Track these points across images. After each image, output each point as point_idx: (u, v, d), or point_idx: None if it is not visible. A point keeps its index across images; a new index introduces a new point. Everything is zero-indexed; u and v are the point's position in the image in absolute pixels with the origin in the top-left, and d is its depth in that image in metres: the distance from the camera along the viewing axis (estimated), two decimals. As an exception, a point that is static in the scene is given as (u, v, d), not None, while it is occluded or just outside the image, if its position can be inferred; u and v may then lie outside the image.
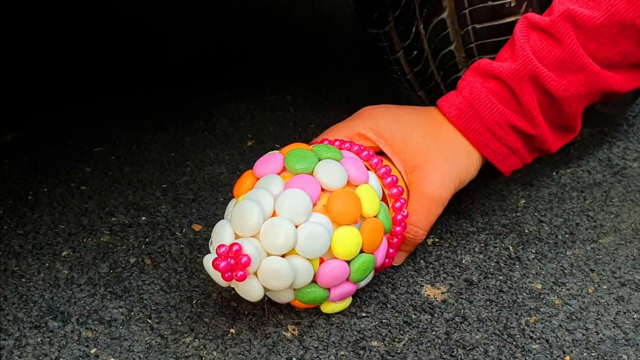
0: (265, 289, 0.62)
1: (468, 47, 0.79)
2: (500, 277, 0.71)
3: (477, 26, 0.77)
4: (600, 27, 0.69)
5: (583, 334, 0.64)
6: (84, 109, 1.02)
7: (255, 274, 0.60)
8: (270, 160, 0.65)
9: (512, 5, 0.75)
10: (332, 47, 1.23)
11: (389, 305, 0.67)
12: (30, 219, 0.79)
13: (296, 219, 0.61)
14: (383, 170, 0.68)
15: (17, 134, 0.96)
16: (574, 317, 0.66)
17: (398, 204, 0.68)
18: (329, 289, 0.63)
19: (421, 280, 0.70)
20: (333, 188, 0.63)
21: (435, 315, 0.66)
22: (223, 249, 0.59)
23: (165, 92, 1.07)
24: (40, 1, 1.32)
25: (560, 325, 0.65)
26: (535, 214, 0.79)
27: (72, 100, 1.05)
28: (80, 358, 0.62)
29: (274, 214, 0.61)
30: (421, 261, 0.73)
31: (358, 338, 0.64)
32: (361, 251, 0.63)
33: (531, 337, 0.64)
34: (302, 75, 1.12)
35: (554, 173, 0.86)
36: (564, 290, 0.69)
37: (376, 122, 0.71)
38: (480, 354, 0.62)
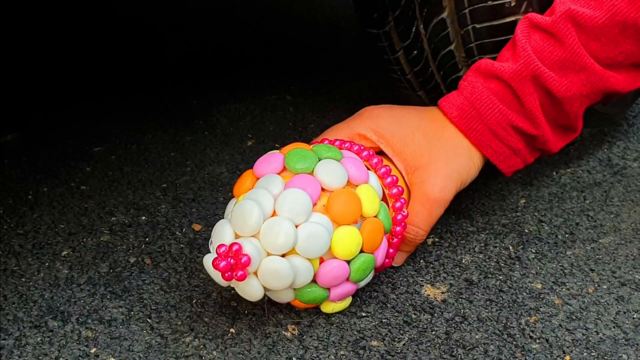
0: (265, 289, 0.62)
1: (468, 47, 0.79)
2: (500, 277, 0.71)
3: (477, 26, 0.77)
4: (602, 27, 0.69)
5: (583, 334, 0.64)
6: (84, 109, 1.02)
7: (255, 273, 0.60)
8: (270, 160, 0.65)
9: (512, 5, 0.75)
10: (332, 47, 1.23)
11: (389, 305, 0.67)
12: (30, 218, 0.79)
13: (296, 218, 0.61)
14: (383, 170, 0.68)
15: (17, 134, 0.96)
16: (574, 317, 0.66)
17: (398, 204, 0.68)
18: (329, 289, 0.63)
19: (421, 280, 0.70)
20: (333, 188, 0.63)
21: (435, 315, 0.66)
22: (223, 249, 0.59)
23: (165, 92, 1.07)
24: (40, 1, 1.32)
25: (560, 325, 0.65)
26: (535, 213, 0.79)
27: (72, 100, 1.05)
28: (80, 358, 0.62)
29: (274, 214, 0.61)
30: (421, 261, 0.73)
31: (358, 338, 0.64)
32: (361, 251, 0.63)
33: (531, 337, 0.64)
34: (302, 75, 1.12)
35: (554, 173, 0.86)
36: (564, 290, 0.69)
37: (377, 122, 0.71)
38: (480, 354, 0.62)
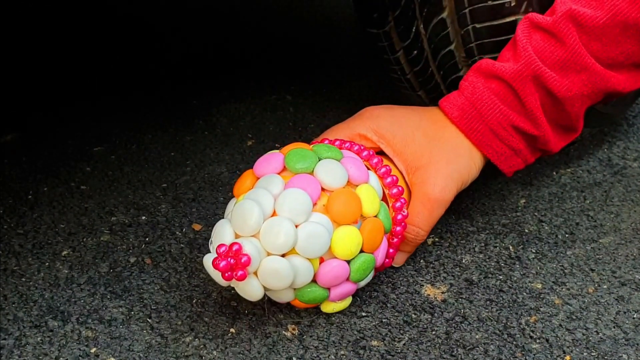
0: (265, 289, 0.62)
1: (468, 47, 0.79)
2: (501, 277, 0.71)
3: (477, 26, 0.77)
4: (603, 27, 0.69)
5: (583, 334, 0.64)
6: (84, 109, 1.02)
7: (255, 273, 0.60)
8: (270, 160, 0.65)
9: (512, 4, 0.75)
10: (332, 47, 1.23)
11: (389, 305, 0.67)
12: (30, 218, 0.79)
13: (296, 218, 0.61)
14: (383, 170, 0.68)
15: (17, 134, 0.96)
16: (574, 317, 0.66)
17: (398, 204, 0.68)
18: (329, 289, 0.63)
19: (421, 280, 0.70)
20: (333, 188, 0.63)
21: (435, 314, 0.66)
22: (223, 249, 0.59)
23: (165, 92, 1.07)
24: (40, 1, 1.32)
25: (560, 325, 0.65)
26: (536, 213, 0.79)
27: (72, 100, 1.05)
28: (80, 357, 0.62)
29: (274, 214, 0.61)
30: (421, 261, 0.73)
31: (358, 337, 0.64)
32: (361, 251, 0.63)
33: (531, 337, 0.64)
34: (302, 75, 1.12)
35: (554, 173, 0.86)
36: (564, 289, 0.69)
37: (377, 122, 0.71)
38: (480, 354, 0.62)
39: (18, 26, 1.28)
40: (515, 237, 0.76)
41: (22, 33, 1.27)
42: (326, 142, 0.70)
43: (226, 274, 0.58)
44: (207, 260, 0.61)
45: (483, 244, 0.75)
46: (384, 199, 0.67)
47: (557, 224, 0.78)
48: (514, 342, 0.63)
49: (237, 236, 0.61)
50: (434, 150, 0.70)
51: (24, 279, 0.71)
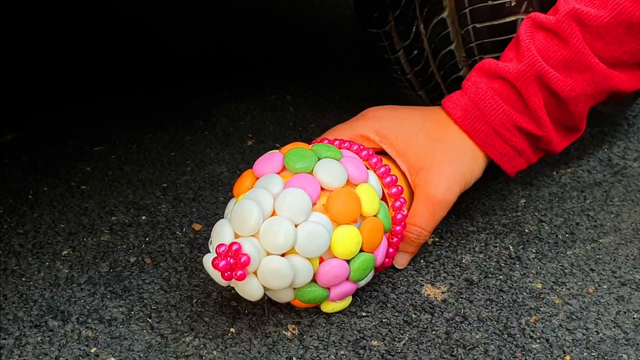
0: (265, 288, 0.62)
1: (468, 47, 0.79)
2: (501, 277, 0.71)
3: (478, 25, 0.77)
4: (607, 26, 0.69)
5: (583, 334, 0.64)
6: (84, 109, 1.02)
7: (255, 273, 0.60)
8: (270, 160, 0.65)
9: (513, 4, 0.75)
10: (332, 47, 1.23)
11: (389, 305, 0.67)
12: (31, 218, 0.79)
13: (296, 218, 0.61)
14: (382, 169, 0.68)
15: (17, 134, 0.96)
16: (574, 317, 0.66)
17: (398, 203, 0.68)
18: (328, 288, 0.63)
19: (421, 280, 0.70)
20: (333, 187, 0.63)
21: (436, 314, 0.66)
22: (223, 248, 0.59)
23: (165, 92, 1.07)
24: (40, 1, 1.32)
25: (560, 325, 0.65)
26: (536, 213, 0.79)
27: (72, 100, 1.05)
28: (80, 357, 0.62)
29: (273, 213, 0.61)
30: (421, 261, 0.73)
31: (358, 337, 0.64)
32: (361, 250, 0.63)
33: (531, 337, 0.64)
34: (302, 75, 1.12)
35: (554, 173, 0.86)
36: (564, 289, 0.69)
37: (380, 123, 0.71)
38: (480, 354, 0.62)
39: (18, 26, 1.28)
40: (516, 237, 0.76)
41: (22, 33, 1.27)
42: (325, 141, 0.70)
43: (226, 274, 0.58)
44: (207, 260, 0.61)
45: (483, 244, 0.75)
46: (384, 198, 0.67)
47: (558, 223, 0.78)
48: (514, 342, 0.63)
49: (236, 236, 0.61)
50: (436, 151, 0.70)
51: (24, 279, 0.71)
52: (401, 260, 0.71)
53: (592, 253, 0.73)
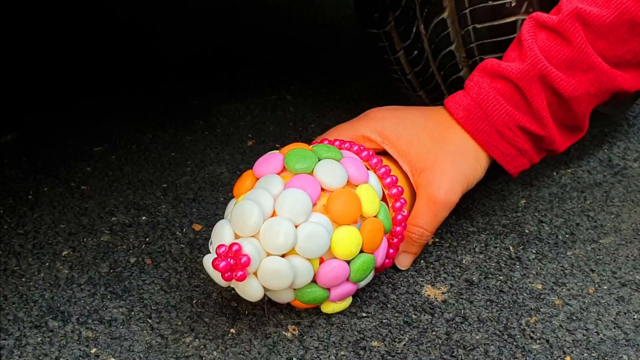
0: (265, 289, 0.62)
1: (468, 47, 0.79)
2: (501, 277, 0.71)
3: (478, 26, 0.77)
4: (610, 26, 0.69)
5: (583, 334, 0.64)
6: (84, 109, 1.02)
7: (255, 274, 0.60)
8: (270, 160, 0.65)
9: (513, 5, 0.75)
10: (332, 47, 1.23)
11: (389, 306, 0.67)
12: (31, 218, 0.79)
13: (296, 218, 0.61)
14: (383, 170, 0.68)
15: (17, 134, 0.96)
16: (575, 318, 0.66)
17: (398, 204, 0.68)
18: (329, 289, 0.63)
19: (421, 281, 0.70)
20: (333, 188, 0.63)
21: (436, 315, 0.66)
22: (223, 249, 0.59)
23: (165, 92, 1.07)
24: (40, 1, 1.32)
25: (560, 326, 0.65)
26: (536, 214, 0.79)
27: (72, 100, 1.05)
28: (80, 358, 0.62)
29: (273, 214, 0.61)
30: (421, 261, 0.73)
31: (358, 338, 0.64)
32: (361, 251, 0.63)
33: (531, 338, 0.64)
34: (302, 75, 1.12)
35: (555, 173, 0.86)
36: (564, 290, 0.69)
37: (382, 124, 0.71)
38: (480, 354, 0.62)
39: (18, 26, 1.28)
40: (516, 237, 0.76)
41: (22, 33, 1.27)
42: (326, 142, 0.70)
43: (226, 275, 0.58)
44: (207, 260, 0.61)
45: (483, 245, 0.75)
46: (384, 199, 0.67)
47: (558, 224, 0.78)
48: (514, 343, 0.63)
49: (236, 236, 0.61)
50: (439, 152, 0.70)
51: (24, 279, 0.71)
52: (404, 261, 0.71)
53: (592, 254, 0.73)
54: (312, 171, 0.64)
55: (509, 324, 0.65)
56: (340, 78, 1.11)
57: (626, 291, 0.69)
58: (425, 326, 0.65)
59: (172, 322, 0.66)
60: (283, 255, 0.60)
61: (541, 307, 0.67)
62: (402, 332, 0.64)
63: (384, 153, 0.72)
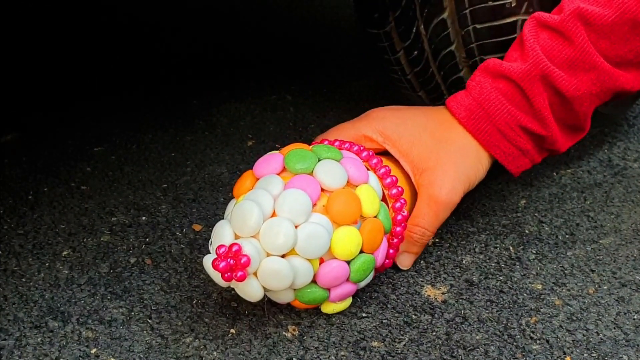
0: (265, 289, 0.62)
1: (469, 47, 0.79)
2: (501, 278, 0.71)
3: (478, 26, 0.77)
4: (612, 25, 0.69)
5: (583, 335, 0.64)
6: (84, 109, 1.02)
7: (255, 274, 0.60)
8: (270, 161, 0.65)
9: (513, 5, 0.75)
10: (332, 47, 1.23)
11: (389, 306, 0.67)
12: (31, 218, 0.79)
13: (296, 219, 0.61)
14: (383, 170, 0.68)
15: (17, 134, 0.96)
16: (575, 318, 0.66)
17: (398, 204, 0.68)
18: (329, 289, 0.63)
19: (421, 281, 0.70)
20: (333, 188, 0.63)
21: (436, 315, 0.66)
22: (223, 249, 0.59)
23: (165, 92, 1.07)
24: (40, 1, 1.32)
25: (560, 326, 0.65)
26: (536, 214, 0.79)
27: (72, 100, 1.05)
28: (80, 358, 0.62)
29: (273, 214, 0.61)
30: (421, 261, 0.73)
31: (358, 338, 0.64)
32: (361, 251, 0.63)
33: (532, 338, 0.64)
34: (302, 75, 1.12)
35: (555, 173, 0.86)
36: (564, 290, 0.69)
37: (383, 124, 0.71)
38: (480, 355, 0.62)
39: (18, 26, 1.28)
40: (516, 237, 0.76)
41: (22, 33, 1.27)
42: (326, 142, 0.70)
43: (226, 275, 0.58)
44: (207, 261, 0.61)
45: (483, 245, 0.75)
46: (384, 199, 0.67)
47: (558, 224, 0.78)
48: (515, 343, 0.63)
49: (236, 237, 0.61)
50: (440, 152, 0.70)
51: (24, 280, 0.71)
52: (405, 261, 0.71)
53: (592, 254, 0.73)
54: (312, 171, 0.64)
55: (509, 324, 0.65)
56: (340, 78, 1.11)
57: (626, 291, 0.69)
58: (426, 326, 0.65)
59: (172, 322, 0.66)
60: (283, 256, 0.60)
61: (541, 308, 0.67)
62: (402, 332, 0.64)
63: (385, 153, 0.72)
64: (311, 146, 0.67)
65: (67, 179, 0.86)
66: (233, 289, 0.66)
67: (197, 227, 0.78)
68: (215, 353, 0.62)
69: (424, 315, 0.66)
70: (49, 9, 1.33)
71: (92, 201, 0.82)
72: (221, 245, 0.59)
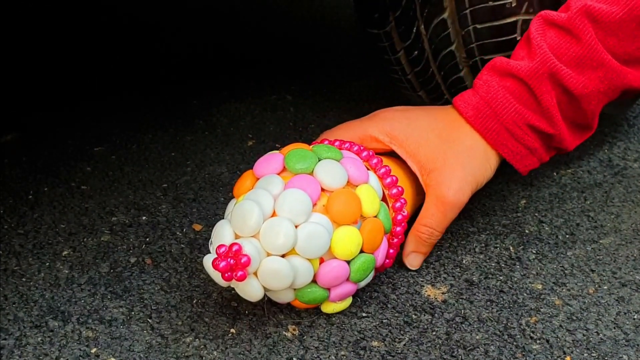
0: (265, 289, 0.62)
1: (469, 47, 0.79)
2: (501, 278, 0.71)
3: (478, 26, 0.77)
4: (619, 22, 0.69)
5: (583, 335, 0.64)
6: (84, 109, 1.02)
7: (255, 274, 0.60)
8: (270, 160, 0.65)
9: (513, 5, 0.75)
10: (332, 47, 1.23)
11: (389, 306, 0.67)
12: (31, 218, 0.79)
13: (296, 219, 0.61)
14: (383, 170, 0.68)
15: (17, 134, 0.96)
16: (575, 318, 0.66)
17: (398, 204, 0.68)
18: (329, 289, 0.63)
19: (422, 281, 0.70)
20: (333, 188, 0.63)
21: (436, 315, 0.66)
22: (223, 249, 0.59)
23: (165, 92, 1.07)
24: (40, 1, 1.32)
25: (560, 326, 0.65)
26: (536, 214, 0.79)
27: (72, 100, 1.05)
28: (80, 358, 0.62)
29: (273, 214, 0.61)
30: (421, 261, 0.73)
31: (358, 338, 0.64)
32: (361, 251, 0.63)
33: (532, 338, 0.64)
34: (302, 75, 1.12)
35: (555, 173, 0.86)
36: (564, 290, 0.69)
37: (391, 124, 0.71)
38: (480, 354, 0.62)
39: (18, 26, 1.28)
40: (516, 237, 0.76)
41: (23, 33, 1.27)
42: (326, 142, 0.70)
43: (226, 275, 0.58)
44: (207, 260, 0.61)
45: (483, 245, 0.75)
46: (384, 199, 0.67)
47: (558, 224, 0.78)
48: (515, 343, 0.63)
49: (237, 237, 0.61)
50: (448, 152, 0.70)
51: (24, 279, 0.71)
52: (414, 261, 0.71)
53: (592, 254, 0.73)
54: (312, 171, 0.64)
55: (509, 324, 0.65)
56: (340, 78, 1.11)
57: (626, 291, 0.69)
58: (426, 326, 0.65)
59: (172, 322, 0.66)
60: (283, 256, 0.60)
61: (541, 307, 0.67)
62: (402, 332, 0.64)
63: (388, 154, 0.72)
64: (311, 146, 0.67)
65: (67, 178, 0.86)
66: (233, 289, 0.66)
67: (198, 227, 0.78)
68: (215, 353, 0.62)
69: (424, 315, 0.66)
70: (49, 9, 1.33)
71: (92, 201, 0.82)
72: (221, 245, 0.59)
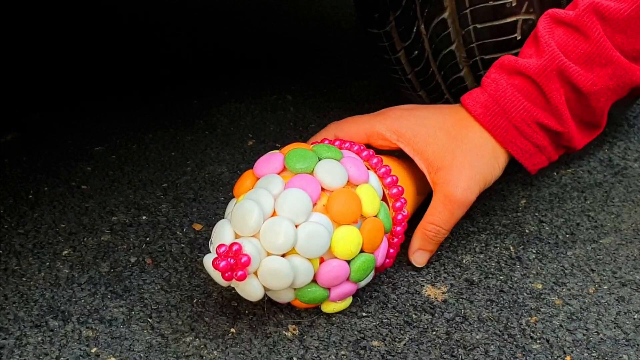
0: (266, 289, 0.62)
1: (469, 47, 0.79)
2: (501, 277, 0.71)
3: (478, 26, 0.77)
4: (628, 19, 0.69)
5: (584, 334, 0.64)
6: (84, 108, 1.02)
7: (255, 273, 0.60)
8: (271, 160, 0.65)
9: (513, 5, 0.75)
10: (332, 47, 1.23)
11: (389, 305, 0.67)
12: (31, 218, 0.79)
13: (296, 218, 0.61)
14: (383, 170, 0.68)
15: (17, 133, 0.96)
16: (575, 317, 0.66)
17: (398, 204, 0.68)
18: (329, 289, 0.63)
19: (422, 280, 0.70)
20: (333, 188, 0.63)
21: (436, 315, 0.66)
22: (223, 249, 0.59)
23: (165, 92, 1.07)
24: (40, 1, 1.32)
25: (560, 326, 0.65)
26: (536, 214, 0.79)
27: (72, 100, 1.05)
28: (80, 357, 0.62)
29: (274, 214, 0.61)
30: (422, 261, 0.73)
31: (359, 338, 0.64)
32: (361, 251, 0.63)
33: (532, 337, 0.64)
34: (302, 75, 1.12)
35: (555, 173, 0.86)
36: (564, 290, 0.69)
37: (399, 122, 0.71)
38: (480, 354, 0.62)
39: (18, 26, 1.28)
40: (516, 237, 0.76)
41: (23, 33, 1.27)
42: (326, 142, 0.70)
43: (226, 274, 0.58)
44: (207, 260, 0.61)
45: (483, 244, 0.75)
46: (384, 198, 0.67)
47: (558, 224, 0.78)
48: (515, 343, 0.63)
49: (237, 236, 0.61)
50: (456, 150, 0.70)
51: (24, 279, 0.71)
52: (420, 259, 0.71)
53: (592, 253, 0.73)
54: (313, 171, 0.64)
55: (509, 323, 0.65)
56: (340, 78, 1.11)
57: (626, 291, 0.69)
58: (426, 326, 0.65)
59: (172, 321, 0.66)
60: (283, 255, 0.60)
61: (541, 307, 0.67)
62: (402, 331, 0.64)
63: (389, 153, 0.72)
64: (311, 145, 0.67)
65: (67, 178, 0.86)
66: (233, 288, 0.66)
67: (198, 227, 0.78)
68: (215, 352, 0.62)
69: (424, 315, 0.66)
70: (49, 8, 1.33)
71: (92, 201, 0.82)
72: (221, 245, 0.59)
